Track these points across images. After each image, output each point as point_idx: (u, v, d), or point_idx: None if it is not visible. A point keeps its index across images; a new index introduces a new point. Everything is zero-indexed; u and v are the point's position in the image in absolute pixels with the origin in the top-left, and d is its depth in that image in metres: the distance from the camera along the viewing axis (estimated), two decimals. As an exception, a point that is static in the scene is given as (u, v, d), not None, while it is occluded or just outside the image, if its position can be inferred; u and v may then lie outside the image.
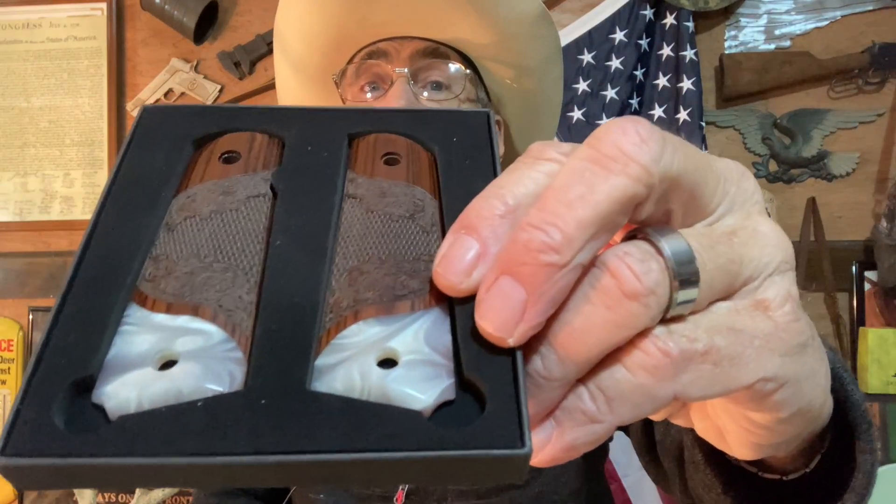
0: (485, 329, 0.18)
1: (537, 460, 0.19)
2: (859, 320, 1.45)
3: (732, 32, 1.52)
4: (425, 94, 0.73)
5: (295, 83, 0.83)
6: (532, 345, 0.18)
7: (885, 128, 1.48)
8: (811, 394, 0.22)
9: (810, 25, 1.50)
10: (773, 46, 1.51)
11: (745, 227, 0.20)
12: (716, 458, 0.34)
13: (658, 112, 1.47)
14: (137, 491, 1.39)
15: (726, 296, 0.20)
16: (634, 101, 1.48)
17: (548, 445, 0.18)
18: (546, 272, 0.17)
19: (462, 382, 0.18)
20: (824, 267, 1.45)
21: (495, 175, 0.22)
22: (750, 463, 0.33)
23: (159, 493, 1.39)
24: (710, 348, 0.18)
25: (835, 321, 1.46)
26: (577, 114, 1.47)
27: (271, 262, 0.20)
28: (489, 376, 0.18)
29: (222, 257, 0.20)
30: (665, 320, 0.19)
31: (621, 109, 1.47)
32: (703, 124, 1.43)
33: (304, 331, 0.19)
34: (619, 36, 1.47)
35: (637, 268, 0.18)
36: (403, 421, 0.17)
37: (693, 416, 0.26)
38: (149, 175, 0.22)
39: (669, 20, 1.46)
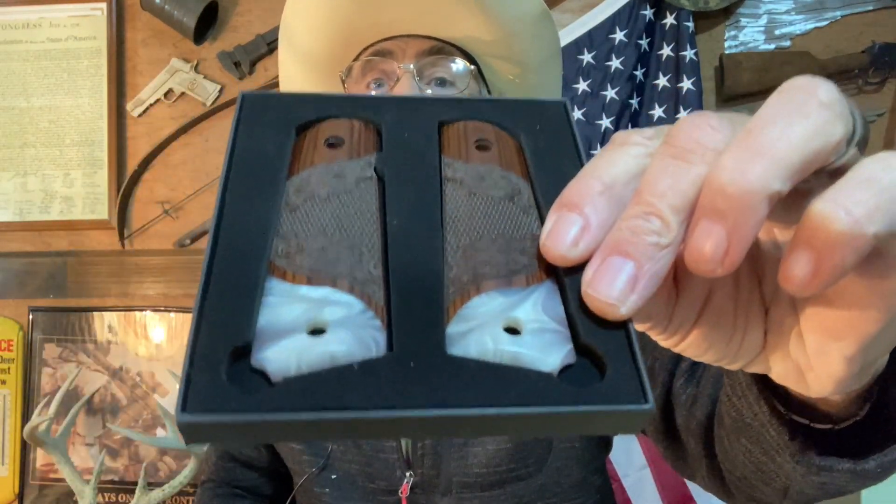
0: (597, 300, 0.20)
1: (809, 289, 0.19)
2: (859, 320, 1.46)
3: (732, 32, 1.52)
4: (429, 90, 0.74)
5: (300, 77, 0.85)
6: (744, 163, 0.19)
7: (885, 128, 1.48)
8: None
9: (810, 25, 1.50)
10: (773, 46, 1.51)
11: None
12: (777, 415, 0.35)
13: (658, 112, 1.47)
14: (137, 491, 1.39)
15: None
16: (634, 101, 1.48)
17: (816, 277, 0.19)
18: (652, 250, 0.20)
19: (578, 347, 0.20)
20: (824, 267, 1.45)
21: (580, 159, 0.24)
22: (801, 415, 0.34)
23: (159, 493, 1.39)
24: None
25: (835, 321, 1.47)
26: (577, 114, 1.47)
27: (392, 239, 0.22)
28: (605, 342, 0.20)
29: (346, 235, 0.22)
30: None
31: (621, 109, 1.47)
32: (703, 124, 1.43)
33: (433, 301, 0.21)
34: (619, 36, 1.47)
35: (824, 87, 0.20)
36: (538, 381, 0.19)
37: (773, 359, 0.27)
38: (261, 160, 0.24)
39: (669, 20, 1.46)
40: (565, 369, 0.20)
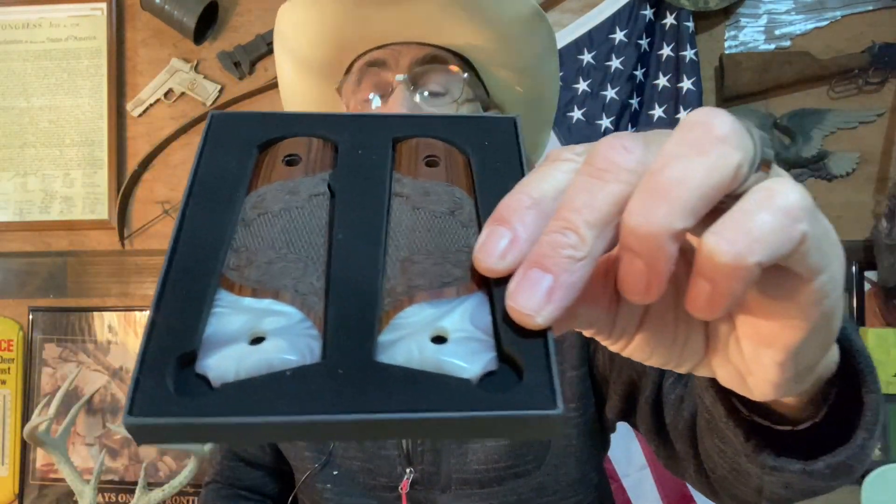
0: (517, 311, 0.21)
1: (709, 314, 0.21)
2: (859, 320, 1.45)
3: (732, 32, 1.52)
4: (424, 99, 0.75)
5: (297, 80, 0.85)
6: (641, 204, 0.21)
7: (885, 128, 1.48)
8: (837, 314, 0.25)
9: (810, 25, 1.50)
10: (773, 46, 1.51)
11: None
12: (734, 416, 0.37)
13: (658, 112, 1.47)
14: (137, 491, 1.39)
15: None
16: (634, 101, 1.48)
17: (710, 304, 0.21)
18: (567, 263, 0.21)
19: (501, 355, 0.21)
20: (824, 267, 1.45)
21: (523, 175, 0.25)
22: (763, 417, 0.36)
23: (159, 493, 1.39)
24: (817, 209, 0.22)
25: (835, 321, 1.46)
26: (576, 114, 1.47)
27: (335, 252, 0.24)
28: (525, 350, 0.21)
29: (293, 249, 0.24)
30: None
31: (621, 109, 1.47)
32: (703, 124, 1.43)
33: (367, 312, 0.22)
34: (619, 36, 1.47)
35: (723, 122, 0.21)
36: (456, 387, 0.20)
37: (716, 363, 0.28)
38: (223, 176, 0.26)
39: (669, 20, 1.45)
40: (488, 376, 0.21)
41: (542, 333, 0.22)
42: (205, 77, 1.61)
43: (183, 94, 1.61)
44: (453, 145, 0.28)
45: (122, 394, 1.60)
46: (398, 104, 0.72)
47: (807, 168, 1.49)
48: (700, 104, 1.43)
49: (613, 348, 0.29)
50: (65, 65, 1.64)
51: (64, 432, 1.42)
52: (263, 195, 0.25)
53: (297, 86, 0.86)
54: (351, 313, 0.22)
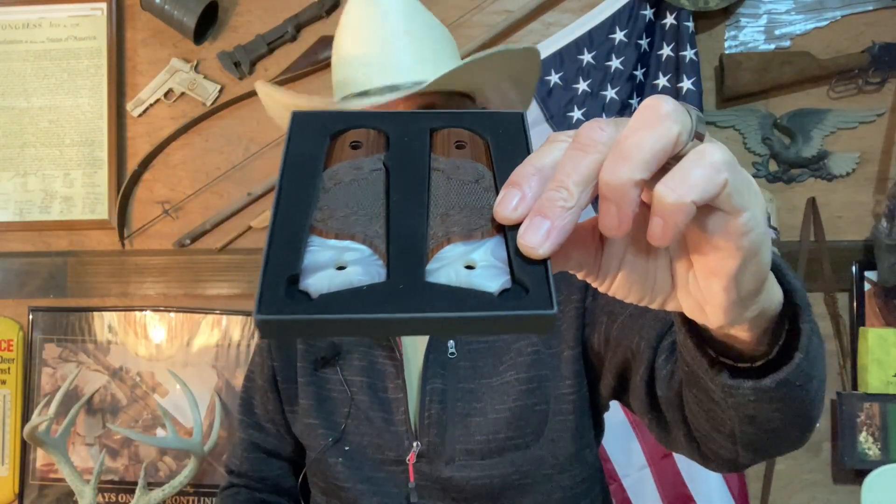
0: (525, 246, 0.30)
1: (661, 240, 0.29)
2: (859, 320, 1.45)
3: (732, 32, 1.52)
4: None
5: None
6: (611, 167, 0.29)
7: (885, 128, 1.48)
8: (767, 245, 0.33)
9: (810, 25, 1.50)
10: (773, 46, 1.51)
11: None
12: (701, 351, 0.45)
13: (658, 112, 1.47)
14: (137, 491, 1.39)
15: None
16: (634, 102, 1.48)
17: (662, 232, 0.29)
18: (560, 211, 0.29)
19: (514, 279, 0.30)
20: (824, 267, 1.45)
21: (529, 153, 0.33)
22: (727, 356, 0.44)
23: (159, 493, 1.39)
24: (736, 165, 0.30)
25: (835, 321, 1.46)
26: (576, 114, 1.47)
27: (392, 209, 0.33)
28: (530, 274, 0.30)
29: (362, 207, 0.33)
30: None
31: (621, 109, 1.47)
32: (703, 124, 1.43)
33: (417, 249, 0.31)
34: (619, 36, 1.47)
35: (666, 103, 0.30)
36: (482, 297, 0.29)
37: (680, 296, 0.36)
38: (305, 157, 0.35)
39: (669, 20, 1.45)
40: (504, 292, 0.30)
41: (543, 263, 0.30)
42: (205, 77, 1.61)
43: (183, 94, 1.61)
44: (476, 133, 0.37)
45: (121, 394, 1.60)
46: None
47: (807, 168, 1.49)
48: (700, 104, 1.43)
49: (601, 287, 0.37)
50: (65, 65, 1.64)
51: (64, 432, 1.42)
52: (337, 170, 0.35)
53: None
54: (405, 250, 0.31)
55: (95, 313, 1.62)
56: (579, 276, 0.37)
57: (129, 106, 1.62)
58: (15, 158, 1.64)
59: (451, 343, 0.82)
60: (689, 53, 1.43)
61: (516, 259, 0.30)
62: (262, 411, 0.93)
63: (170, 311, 1.61)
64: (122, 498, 1.59)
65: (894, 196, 1.41)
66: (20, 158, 1.64)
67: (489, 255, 0.31)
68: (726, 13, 1.51)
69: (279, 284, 0.29)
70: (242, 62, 1.58)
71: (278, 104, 0.90)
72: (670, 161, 0.29)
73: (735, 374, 0.44)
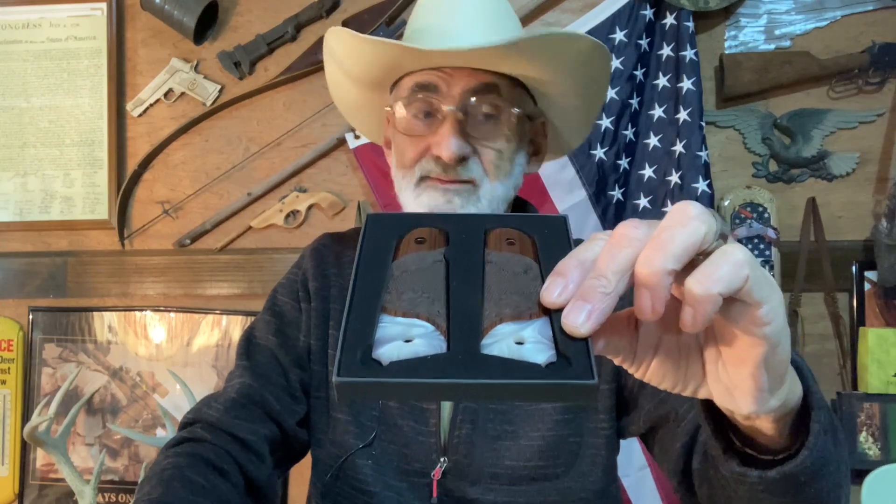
0: (569, 325, 0.34)
1: (691, 327, 0.34)
2: (859, 320, 1.45)
3: (732, 32, 1.52)
4: (474, 129, 0.76)
5: (347, 86, 0.88)
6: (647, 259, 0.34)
7: (885, 128, 1.48)
8: (786, 336, 0.37)
9: (810, 25, 1.50)
10: (773, 46, 1.51)
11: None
12: (719, 438, 0.49)
13: (658, 112, 1.47)
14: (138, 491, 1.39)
15: None
16: (634, 101, 1.48)
17: (693, 319, 0.33)
18: (600, 296, 0.34)
19: (558, 354, 0.34)
20: (824, 267, 1.45)
21: (571, 249, 0.38)
22: (751, 447, 0.47)
23: (159, 493, 1.39)
24: (755, 264, 0.34)
25: (835, 321, 1.46)
26: (577, 114, 1.47)
27: (452, 294, 0.38)
28: (573, 350, 0.34)
29: (425, 291, 0.38)
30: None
31: (621, 109, 1.47)
32: (703, 124, 1.43)
33: (474, 327, 0.36)
34: (619, 36, 1.47)
35: (694, 207, 0.34)
36: (531, 367, 0.34)
37: (710, 383, 0.40)
38: (378, 250, 0.42)
39: (669, 20, 1.45)
40: (550, 365, 0.34)
41: (584, 341, 0.34)
42: (205, 77, 1.61)
43: (183, 94, 1.61)
44: (524, 233, 0.44)
45: (121, 394, 1.60)
46: (448, 142, 0.74)
47: (807, 168, 1.49)
48: (700, 104, 1.43)
49: (637, 374, 0.41)
50: (65, 65, 1.64)
51: (64, 432, 1.42)
52: (403, 261, 0.41)
53: (349, 94, 0.90)
54: (463, 327, 0.36)
55: (95, 313, 1.62)
56: (616, 361, 0.41)
57: (129, 106, 1.62)
58: (15, 158, 1.64)
59: None
60: (689, 53, 1.43)
61: (561, 337, 0.34)
62: (289, 362, 0.83)
63: (170, 311, 1.61)
64: (122, 498, 1.59)
65: (894, 196, 1.41)
66: (20, 158, 1.64)
67: (537, 334, 0.35)
68: (726, 13, 1.51)
69: (356, 353, 0.34)
70: (242, 62, 1.58)
71: (349, 53, 0.81)
72: (698, 258, 0.34)
73: (747, 463, 0.47)
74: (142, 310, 1.61)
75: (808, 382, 0.45)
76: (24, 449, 1.61)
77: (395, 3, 1.51)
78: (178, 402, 1.57)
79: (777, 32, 1.51)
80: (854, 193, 1.49)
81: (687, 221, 0.33)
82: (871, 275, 1.45)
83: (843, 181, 1.49)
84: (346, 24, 1.53)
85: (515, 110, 0.77)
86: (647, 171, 1.47)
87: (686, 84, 1.43)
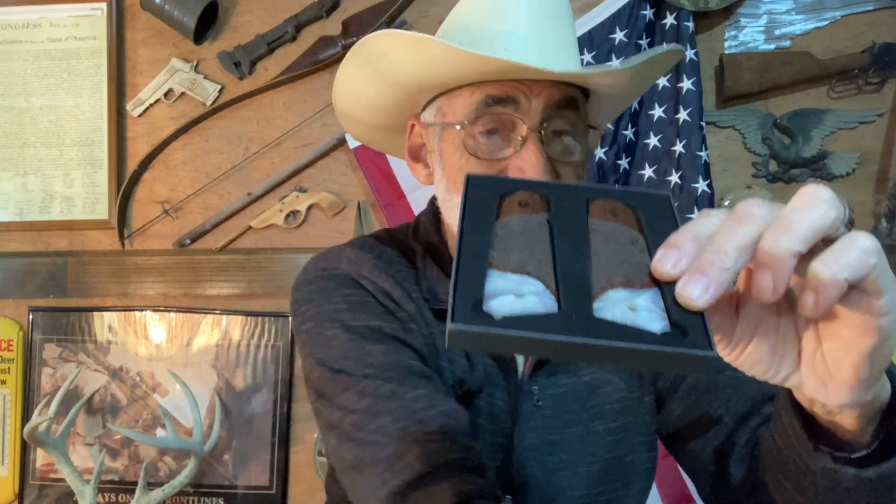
0: (685, 297, 0.33)
1: (811, 311, 0.33)
2: (859, 320, 1.45)
3: (732, 32, 1.52)
4: (554, 149, 0.68)
5: (371, 93, 0.77)
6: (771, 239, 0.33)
7: (885, 128, 1.48)
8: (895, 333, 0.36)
9: (810, 25, 1.50)
10: (773, 46, 1.51)
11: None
12: (806, 432, 0.47)
13: (658, 112, 1.47)
14: (137, 491, 1.39)
15: None
16: (634, 102, 1.48)
17: (814, 304, 0.33)
18: (719, 271, 0.33)
19: (672, 324, 0.34)
20: (824, 267, 1.45)
21: (677, 226, 0.38)
22: (826, 445, 0.46)
23: (159, 493, 1.39)
24: (883, 253, 0.33)
25: (835, 321, 1.46)
26: (577, 114, 1.47)
27: (558, 257, 0.38)
28: (688, 322, 0.34)
29: (532, 251, 0.38)
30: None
31: (621, 109, 1.47)
32: (703, 124, 1.43)
33: (584, 289, 0.36)
34: (619, 36, 1.47)
35: (824, 191, 0.34)
36: (647, 333, 0.33)
37: (804, 371, 0.39)
38: (482, 209, 0.41)
39: (669, 20, 1.45)
40: (665, 334, 0.33)
41: (700, 313, 0.34)
42: (205, 77, 1.61)
43: (183, 94, 1.61)
44: (628, 206, 0.43)
45: (121, 394, 1.60)
46: (532, 161, 0.65)
47: (807, 168, 1.49)
48: (700, 104, 1.43)
49: (729, 357, 0.40)
50: (65, 65, 1.64)
51: (64, 432, 1.42)
52: (508, 222, 0.41)
53: (368, 97, 0.77)
54: (574, 289, 0.36)
55: (95, 313, 1.62)
56: (715, 339, 0.39)
57: (129, 106, 1.62)
58: (15, 158, 1.64)
59: (534, 388, 0.72)
60: (689, 53, 1.43)
61: (675, 308, 0.34)
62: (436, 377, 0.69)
63: (170, 311, 1.61)
64: (122, 498, 1.59)
65: (894, 196, 1.41)
66: (20, 158, 1.64)
67: (650, 303, 0.35)
68: (726, 13, 1.51)
69: (468, 303, 0.34)
70: (242, 62, 1.58)
71: (397, 53, 0.69)
72: (819, 244, 0.33)
73: (836, 460, 0.46)
74: (142, 310, 1.61)
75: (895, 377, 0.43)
76: (24, 449, 1.61)
77: (396, 3, 1.51)
78: (178, 402, 1.57)
79: (777, 32, 1.51)
80: (854, 193, 1.48)
81: (817, 204, 0.33)
82: (871, 275, 1.45)
83: (843, 181, 1.49)
84: (345, 23, 1.53)
85: (591, 128, 0.71)
86: (647, 172, 1.47)
87: (686, 84, 1.43)
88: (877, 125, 1.48)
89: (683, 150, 1.43)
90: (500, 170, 0.67)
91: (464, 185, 0.43)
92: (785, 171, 1.49)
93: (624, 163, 1.49)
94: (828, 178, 1.49)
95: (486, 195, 0.43)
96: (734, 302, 0.39)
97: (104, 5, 1.62)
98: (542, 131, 0.67)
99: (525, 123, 0.67)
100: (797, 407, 0.46)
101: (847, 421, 0.42)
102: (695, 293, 0.33)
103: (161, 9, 1.54)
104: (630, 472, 0.75)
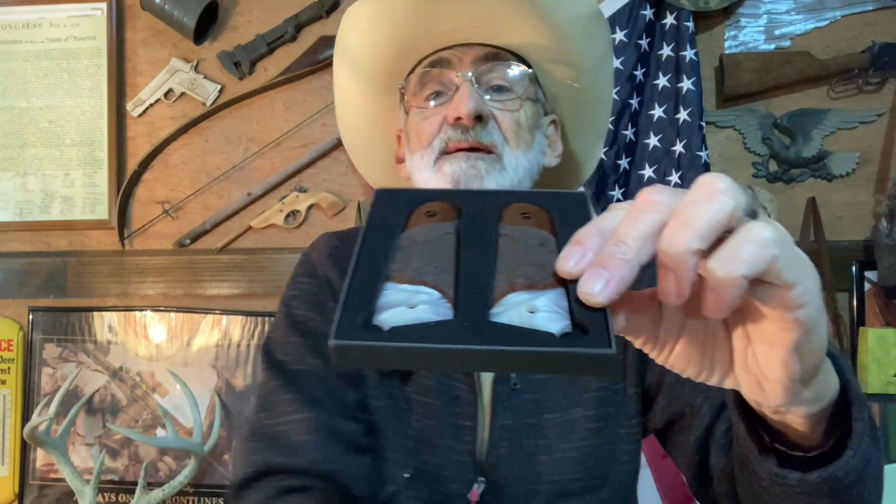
0: (585, 293, 0.31)
1: (714, 313, 0.31)
2: (859, 320, 1.45)
3: (732, 32, 1.52)
4: (488, 96, 0.75)
5: (355, 89, 0.86)
6: (669, 236, 0.31)
7: (885, 128, 1.48)
8: (821, 322, 0.34)
9: (810, 25, 1.50)
10: (773, 46, 1.51)
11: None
12: (754, 436, 0.46)
13: (658, 112, 1.47)
14: (137, 491, 1.39)
15: None
16: (634, 101, 1.48)
17: (715, 304, 0.31)
18: (619, 263, 0.31)
19: (574, 324, 0.32)
20: (824, 267, 1.45)
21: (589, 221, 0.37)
22: (781, 443, 0.44)
23: (159, 493, 1.39)
24: (786, 242, 0.31)
25: (835, 321, 1.46)
26: (577, 114, 1.47)
27: (461, 264, 0.36)
28: (589, 319, 0.32)
29: (433, 261, 0.36)
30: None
31: (621, 109, 1.47)
32: (703, 124, 1.43)
33: (483, 294, 0.34)
34: (619, 36, 1.47)
35: (721, 180, 0.31)
36: (543, 336, 0.31)
37: (738, 372, 0.37)
38: (386, 222, 0.40)
39: (669, 20, 1.45)
40: (565, 335, 0.31)
41: (602, 310, 0.32)
42: (205, 77, 1.61)
43: (183, 94, 1.61)
44: (541, 207, 0.41)
45: (121, 394, 1.60)
46: (465, 99, 0.72)
47: (807, 168, 1.49)
48: (700, 104, 1.43)
49: (658, 359, 0.38)
50: (65, 65, 1.64)
51: (64, 432, 1.42)
52: (412, 233, 0.39)
53: (355, 96, 0.87)
54: (472, 294, 0.34)
55: (95, 313, 1.62)
56: (637, 344, 0.38)
57: (129, 106, 1.62)
58: (15, 158, 1.64)
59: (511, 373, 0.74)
60: (689, 53, 1.43)
61: (577, 307, 0.32)
62: (342, 383, 0.74)
63: (170, 311, 1.61)
64: (122, 498, 1.59)
65: (894, 196, 1.41)
66: (20, 158, 1.64)
67: (551, 303, 0.33)
68: (726, 13, 1.51)
69: (355, 318, 0.32)
70: (242, 62, 1.58)
71: (363, 38, 0.81)
72: (724, 235, 0.31)
73: (784, 463, 0.44)
74: (142, 310, 1.61)
75: (846, 376, 0.41)
76: (24, 449, 1.61)
77: (395, 3, 1.51)
78: (177, 402, 1.57)
79: (777, 32, 1.51)
80: (854, 193, 1.49)
81: (714, 196, 0.30)
82: (871, 275, 1.45)
83: (843, 181, 1.49)
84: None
85: (529, 70, 0.77)
86: (647, 172, 1.47)
87: (686, 84, 1.43)
88: (877, 125, 1.48)
89: (683, 150, 1.43)
90: (441, 119, 0.75)
91: (372, 198, 0.42)
92: (785, 171, 1.49)
93: (624, 163, 1.49)
94: (828, 178, 1.49)
95: (393, 207, 0.41)
96: (657, 300, 0.37)
97: (104, 5, 1.62)
98: (474, 78, 0.74)
99: (458, 75, 0.75)
100: (745, 407, 0.44)
101: (796, 421, 0.40)
102: (595, 288, 0.31)
103: (161, 9, 1.54)
104: (609, 461, 0.75)
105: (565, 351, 0.30)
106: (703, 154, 1.42)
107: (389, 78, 0.82)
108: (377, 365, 0.34)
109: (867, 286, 1.46)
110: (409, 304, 0.33)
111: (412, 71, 0.80)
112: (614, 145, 1.48)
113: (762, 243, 0.30)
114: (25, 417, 1.59)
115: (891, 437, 1.40)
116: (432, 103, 0.77)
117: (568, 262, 0.32)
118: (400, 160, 0.85)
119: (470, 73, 0.75)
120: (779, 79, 1.46)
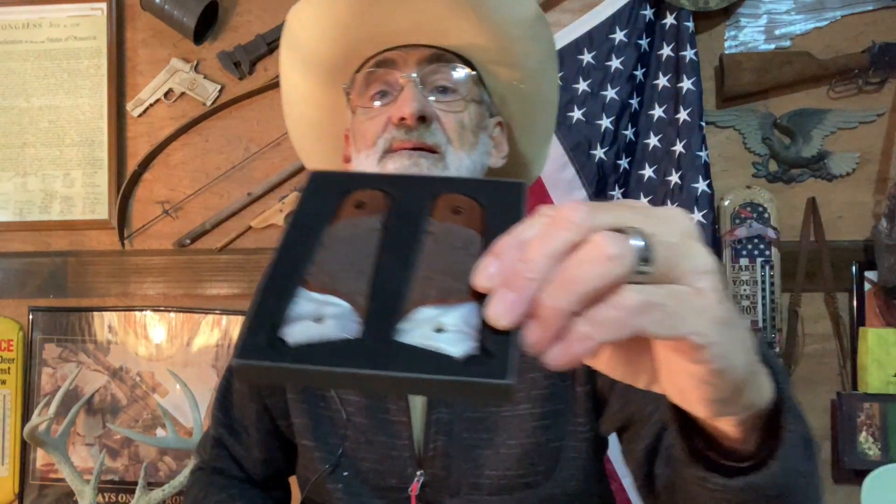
0: (489, 316, 0.30)
1: (556, 365, 0.29)
2: (859, 320, 1.45)
3: (732, 32, 1.52)
4: (433, 97, 0.76)
5: (303, 81, 0.86)
6: (550, 291, 0.29)
7: (885, 128, 1.48)
8: (734, 356, 0.33)
9: (810, 25, 1.50)
10: (773, 46, 1.51)
11: (685, 244, 0.32)
12: (684, 438, 0.45)
13: (658, 112, 1.47)
14: (137, 491, 1.39)
15: (677, 281, 0.31)
16: (634, 101, 1.48)
17: (559, 357, 0.29)
18: (525, 282, 0.29)
19: (481, 345, 0.30)
20: (824, 267, 1.45)
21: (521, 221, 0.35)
22: (716, 450, 0.43)
23: (159, 493, 1.39)
24: (663, 304, 0.30)
25: (835, 321, 1.46)
26: (576, 114, 1.47)
27: (379, 269, 0.34)
28: (495, 343, 0.30)
29: (352, 264, 0.34)
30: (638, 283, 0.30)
31: (621, 109, 1.47)
32: (703, 124, 1.43)
33: (394, 308, 0.32)
34: (619, 36, 1.47)
35: (613, 244, 0.29)
36: (444, 360, 0.30)
37: (663, 381, 0.36)
38: (315, 214, 0.37)
39: (669, 20, 1.45)
40: (471, 358, 0.30)
41: (507, 332, 0.30)
42: (205, 77, 1.61)
43: (183, 94, 1.61)
44: (476, 200, 0.38)
45: (121, 394, 1.60)
46: (409, 99, 0.73)
47: (807, 168, 1.49)
48: (700, 104, 1.43)
49: (587, 361, 0.35)
50: (65, 65, 1.64)
51: (64, 432, 1.42)
52: (336, 228, 0.36)
53: (302, 87, 0.87)
54: (383, 308, 0.32)
55: (95, 313, 1.62)
56: None
57: (129, 106, 1.62)
58: (15, 158, 1.64)
59: None
60: (689, 53, 1.43)
61: (485, 328, 0.30)
62: (239, 416, 0.87)
63: (170, 311, 1.61)
64: (122, 498, 1.59)
65: (894, 196, 1.41)
66: (20, 158, 1.64)
67: (460, 321, 0.31)
68: (726, 13, 1.51)
69: (262, 332, 0.31)
70: (242, 62, 1.58)
71: (310, 32, 0.81)
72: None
73: (711, 468, 0.43)
74: (142, 310, 1.61)
75: (781, 385, 0.41)
76: (24, 449, 1.61)
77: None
78: (178, 402, 1.57)
79: (777, 32, 1.51)
80: (854, 193, 1.49)
81: (604, 261, 0.29)
82: (871, 275, 1.45)
83: (843, 181, 1.49)
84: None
85: (473, 73, 0.78)
86: (647, 172, 1.47)
87: (686, 84, 1.43)
88: (877, 125, 1.48)
89: (683, 150, 1.43)
90: (386, 119, 0.75)
91: (305, 182, 0.39)
92: (785, 171, 1.49)
93: (624, 163, 1.49)
94: (828, 178, 1.49)
95: (325, 194, 0.38)
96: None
97: (104, 5, 1.62)
98: (419, 79, 0.75)
99: (402, 75, 0.76)
100: (679, 410, 0.42)
101: (727, 428, 0.40)
102: (498, 310, 0.29)
103: (161, 9, 1.54)
104: (555, 457, 0.75)
105: (459, 380, 0.29)
106: (703, 154, 1.42)
107: (337, 70, 0.82)
108: (282, 383, 0.32)
109: (867, 286, 1.46)
110: (316, 316, 0.32)
111: (358, 70, 0.81)
112: (614, 145, 1.48)
113: (627, 310, 0.29)
114: (25, 417, 1.59)
115: (891, 437, 1.40)
116: (377, 103, 0.77)
117: (481, 276, 0.31)
118: (347, 159, 0.85)
119: (414, 74, 0.75)
120: (779, 79, 1.46)
